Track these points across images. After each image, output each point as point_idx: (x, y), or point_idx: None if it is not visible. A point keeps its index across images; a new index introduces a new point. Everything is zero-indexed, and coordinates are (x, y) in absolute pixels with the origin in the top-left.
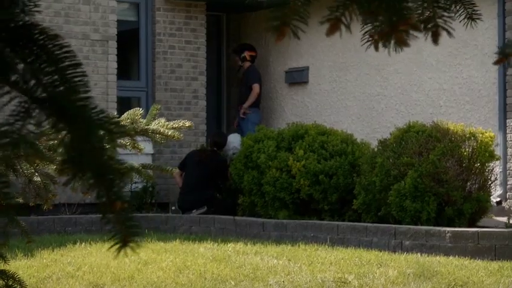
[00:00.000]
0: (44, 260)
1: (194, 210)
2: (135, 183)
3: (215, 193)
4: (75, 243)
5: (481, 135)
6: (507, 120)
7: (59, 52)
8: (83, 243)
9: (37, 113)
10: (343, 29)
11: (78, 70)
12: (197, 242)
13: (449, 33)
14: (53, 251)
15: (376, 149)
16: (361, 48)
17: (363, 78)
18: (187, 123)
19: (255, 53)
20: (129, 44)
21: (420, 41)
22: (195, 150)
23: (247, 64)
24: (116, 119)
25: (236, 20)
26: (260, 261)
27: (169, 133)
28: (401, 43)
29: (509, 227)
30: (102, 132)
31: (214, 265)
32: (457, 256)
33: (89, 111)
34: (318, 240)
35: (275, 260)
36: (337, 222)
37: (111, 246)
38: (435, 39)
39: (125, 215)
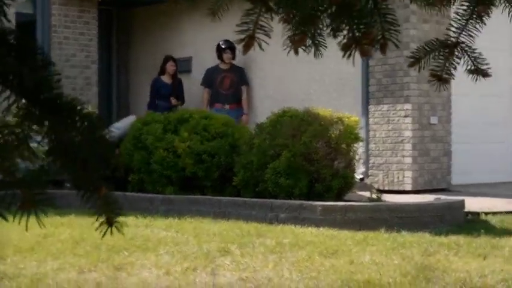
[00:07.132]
0: None
1: None
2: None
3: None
4: None
5: (347, 119)
6: (369, 107)
7: (32, 54)
8: None
9: (28, 108)
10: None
11: (50, 69)
12: (91, 216)
13: (396, 45)
14: None
15: (253, 132)
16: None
17: None
18: None
19: None
20: (27, 34)
21: None
22: None
23: (232, 62)
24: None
25: (126, 14)
26: (150, 233)
27: None
28: (365, 54)
29: (372, 201)
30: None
31: (108, 237)
32: (327, 227)
33: (75, 105)
34: (202, 214)
35: (164, 232)
36: (219, 197)
37: (99, 226)
38: (383, 50)
39: (109, 198)
